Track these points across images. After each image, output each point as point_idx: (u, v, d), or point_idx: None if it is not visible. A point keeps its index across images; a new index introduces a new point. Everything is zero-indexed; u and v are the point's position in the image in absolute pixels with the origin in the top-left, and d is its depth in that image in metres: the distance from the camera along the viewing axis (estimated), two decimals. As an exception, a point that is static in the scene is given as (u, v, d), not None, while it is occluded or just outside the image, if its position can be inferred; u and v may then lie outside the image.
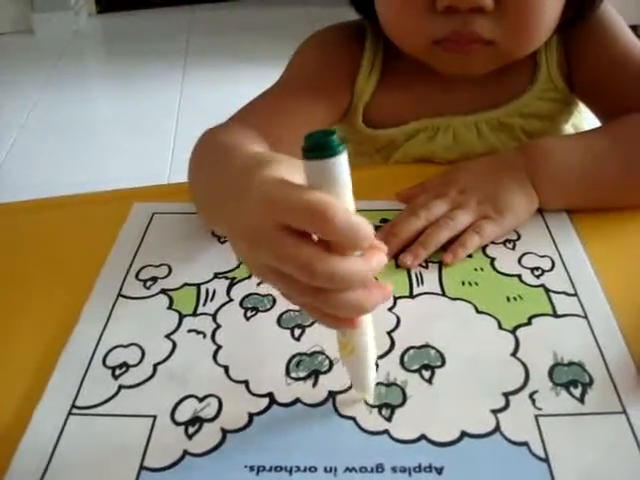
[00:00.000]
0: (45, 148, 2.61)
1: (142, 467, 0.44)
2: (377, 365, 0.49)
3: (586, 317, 0.54)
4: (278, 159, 0.46)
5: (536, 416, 0.46)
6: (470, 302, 0.56)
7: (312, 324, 0.54)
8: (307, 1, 3.63)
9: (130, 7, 3.97)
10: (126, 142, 2.63)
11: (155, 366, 0.52)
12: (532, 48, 0.72)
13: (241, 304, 0.57)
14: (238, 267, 0.61)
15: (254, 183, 0.43)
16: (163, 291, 0.59)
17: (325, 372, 0.50)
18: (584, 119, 0.83)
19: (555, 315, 0.55)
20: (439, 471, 0.43)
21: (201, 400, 0.49)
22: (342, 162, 0.38)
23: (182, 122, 2.71)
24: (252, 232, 0.41)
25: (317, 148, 0.37)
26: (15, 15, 3.78)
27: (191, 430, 0.47)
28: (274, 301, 0.57)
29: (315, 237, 0.40)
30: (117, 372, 0.52)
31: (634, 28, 3.11)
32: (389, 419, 0.47)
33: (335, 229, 0.37)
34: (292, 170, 0.43)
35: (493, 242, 0.63)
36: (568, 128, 0.82)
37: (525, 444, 0.45)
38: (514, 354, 0.51)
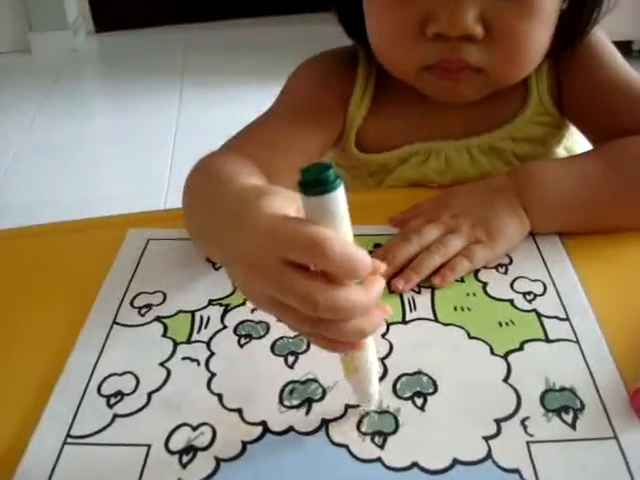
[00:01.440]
0: (43, 167, 2.62)
1: (136, 497, 0.45)
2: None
3: (578, 342, 0.55)
4: (275, 191, 0.47)
5: (528, 442, 0.47)
6: (462, 327, 0.57)
7: (306, 351, 0.55)
8: (304, 19, 3.64)
9: (127, 26, 3.99)
10: (124, 160, 2.65)
11: (149, 394, 0.52)
12: (521, 76, 0.72)
13: (235, 331, 0.58)
14: (232, 294, 0.61)
15: (254, 215, 0.44)
16: (158, 318, 0.60)
17: (318, 400, 0.51)
18: (576, 142, 0.84)
19: (547, 340, 0.55)
20: (431, 499, 0.43)
21: (195, 429, 0.49)
22: (339, 196, 0.39)
23: (179, 140, 2.72)
24: (253, 263, 0.42)
25: (314, 184, 0.38)
26: (13, 34, 3.80)
27: (185, 459, 0.47)
28: (268, 328, 0.57)
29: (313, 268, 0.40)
30: (112, 401, 0.52)
31: (628, 43, 3.13)
32: (382, 447, 0.47)
33: (334, 261, 0.38)
34: (288, 202, 0.44)
35: (485, 267, 0.63)
36: (560, 151, 0.83)
37: (516, 471, 0.45)
38: (506, 380, 0.52)
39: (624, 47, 3.34)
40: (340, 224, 0.40)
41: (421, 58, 0.68)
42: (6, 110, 3.14)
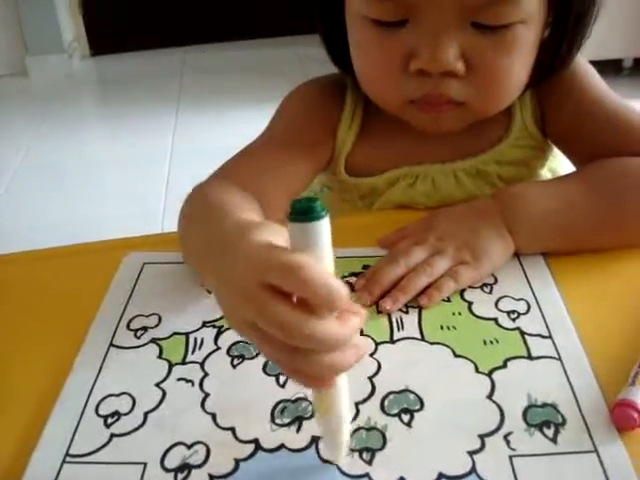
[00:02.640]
0: (40, 189, 2.64)
1: (133, 514, 0.46)
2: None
3: (560, 359, 0.57)
4: (264, 224, 0.49)
5: (510, 457, 0.48)
6: (448, 346, 0.59)
7: (296, 371, 0.57)
8: (298, 41, 3.68)
9: (123, 49, 4.03)
10: (120, 183, 2.67)
11: (145, 414, 0.54)
12: (502, 107, 0.74)
13: (228, 352, 0.59)
14: (225, 316, 0.63)
15: (242, 245, 0.46)
16: (153, 340, 0.61)
17: (308, 418, 0.52)
18: (560, 162, 0.86)
19: (530, 357, 0.57)
20: (417, 513, 0.45)
21: (190, 447, 0.51)
22: (324, 226, 0.41)
23: (175, 162, 2.75)
24: (239, 289, 0.44)
25: (302, 212, 0.41)
26: (9, 58, 3.83)
27: (180, 476, 0.49)
28: (260, 349, 0.59)
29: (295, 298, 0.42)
30: (109, 421, 0.54)
31: (618, 62, 3.17)
32: (370, 462, 0.49)
33: (310, 287, 0.40)
34: (275, 235, 0.46)
35: (471, 286, 0.65)
36: (545, 172, 0.85)
37: (500, 484, 0.47)
38: (490, 396, 0.53)
39: (614, 65, 3.38)
40: (322, 254, 0.42)
41: (405, 93, 0.70)
42: (3, 133, 3.16)
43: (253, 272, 0.43)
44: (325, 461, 0.49)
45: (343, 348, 0.43)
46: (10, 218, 2.46)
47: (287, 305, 0.41)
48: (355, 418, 0.52)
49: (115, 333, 0.63)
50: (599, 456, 0.48)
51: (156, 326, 0.63)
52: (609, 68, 3.13)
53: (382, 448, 0.50)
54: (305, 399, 0.54)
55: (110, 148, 3.05)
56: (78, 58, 3.98)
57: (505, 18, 0.65)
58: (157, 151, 2.86)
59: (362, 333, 0.59)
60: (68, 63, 3.83)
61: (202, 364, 0.58)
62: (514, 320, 0.61)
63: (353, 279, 0.66)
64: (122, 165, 2.79)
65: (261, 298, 0.42)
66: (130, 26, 4.05)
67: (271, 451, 0.50)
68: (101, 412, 0.54)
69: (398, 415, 0.52)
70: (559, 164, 0.86)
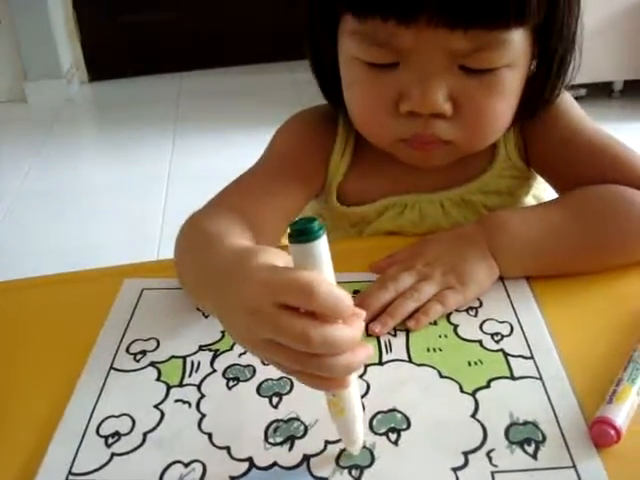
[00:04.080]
0: (38, 215, 2.66)
1: (133, 529, 0.49)
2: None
3: (541, 378, 0.59)
4: (263, 249, 0.54)
5: (492, 472, 0.51)
6: (434, 367, 0.61)
7: (289, 392, 0.59)
8: (293, 67, 3.72)
9: (121, 75, 4.07)
10: (118, 208, 2.68)
11: (145, 434, 0.56)
12: (487, 144, 0.78)
13: (224, 374, 0.62)
14: (221, 340, 0.66)
15: (249, 269, 0.51)
16: (152, 364, 0.64)
17: (300, 437, 0.55)
18: (545, 190, 0.88)
19: (512, 377, 0.60)
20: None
21: (187, 465, 0.53)
22: (322, 243, 0.46)
23: (172, 187, 2.77)
24: (252, 310, 0.48)
25: (301, 233, 0.46)
26: (8, 84, 3.87)
27: (178, 493, 0.51)
28: (254, 371, 0.62)
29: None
30: (110, 441, 0.56)
31: (609, 85, 3.21)
32: (358, 479, 0.51)
33: (319, 301, 0.45)
34: (275, 256, 0.52)
35: (457, 310, 0.68)
36: (529, 200, 0.88)
37: (482, 499, 0.49)
38: (473, 415, 0.56)
39: (605, 88, 3.41)
40: (324, 268, 0.47)
41: (395, 132, 0.73)
42: (2, 158, 3.19)
43: (265, 294, 0.47)
44: (316, 478, 0.51)
45: (354, 349, 0.47)
46: (9, 243, 2.48)
47: (301, 317, 0.46)
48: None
49: (115, 357, 0.65)
50: (577, 472, 0.50)
51: (155, 350, 0.66)
52: (600, 91, 3.17)
53: (370, 465, 0.52)
54: (297, 419, 0.56)
55: (108, 172, 3.07)
56: (76, 84, 4.02)
57: (491, 63, 0.68)
58: (154, 176, 2.89)
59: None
60: (67, 89, 3.87)
61: (199, 386, 0.61)
62: (498, 342, 0.64)
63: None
64: (120, 190, 2.82)
65: (277, 316, 0.47)
66: (128, 52, 4.10)
67: (265, 469, 0.53)
68: (102, 432, 0.57)
69: (386, 434, 0.55)
70: (543, 191, 0.89)
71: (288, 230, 0.46)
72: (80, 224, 2.57)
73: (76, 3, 3.95)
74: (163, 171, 2.91)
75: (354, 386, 0.51)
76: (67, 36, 3.97)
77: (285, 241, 0.50)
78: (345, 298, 0.46)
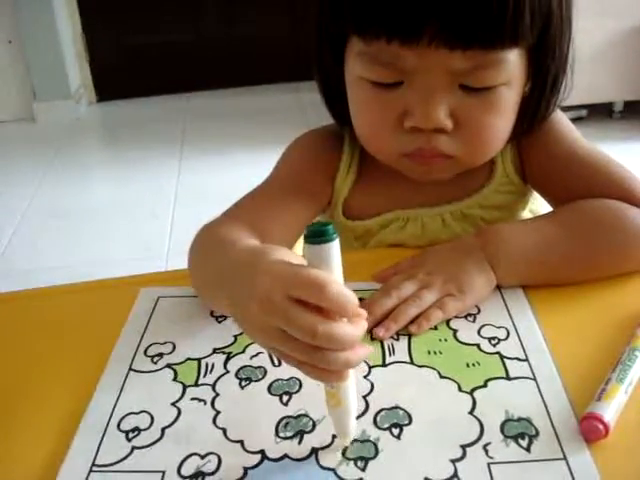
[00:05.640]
0: (47, 234, 2.69)
1: (154, 514, 0.53)
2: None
3: (535, 379, 0.63)
4: (276, 247, 0.59)
5: (488, 464, 0.54)
6: (434, 369, 0.65)
7: (298, 391, 0.63)
8: (299, 88, 3.77)
9: (128, 95, 4.13)
10: (125, 226, 2.71)
11: (163, 429, 0.60)
12: (487, 159, 0.82)
13: (236, 375, 0.66)
14: (234, 343, 0.70)
15: (265, 263, 0.56)
16: (168, 365, 0.68)
17: (309, 432, 0.59)
18: (541, 204, 0.92)
19: (508, 378, 0.63)
20: (404, 511, 0.51)
21: (203, 457, 0.57)
22: (335, 246, 0.51)
23: (179, 206, 2.80)
24: (265, 300, 0.52)
25: (317, 235, 0.51)
26: (17, 104, 3.92)
27: (195, 483, 0.55)
28: (265, 372, 0.66)
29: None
30: (130, 435, 0.60)
31: (609, 105, 3.24)
32: (363, 469, 0.55)
33: (328, 297, 0.49)
34: (290, 255, 0.57)
35: (456, 316, 0.72)
36: (526, 214, 0.92)
37: (478, 488, 0.53)
38: (471, 412, 0.60)
39: (606, 108, 3.43)
40: (335, 269, 0.52)
41: (399, 147, 0.77)
42: (11, 178, 3.23)
43: (279, 286, 0.52)
44: (324, 468, 0.55)
45: (355, 346, 0.52)
46: (18, 261, 2.51)
47: (310, 312, 0.50)
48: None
49: (134, 359, 0.69)
50: (568, 463, 0.54)
51: (171, 352, 0.70)
52: (601, 112, 3.20)
53: (375, 457, 0.56)
54: (306, 415, 0.60)
55: (116, 191, 3.11)
56: (85, 104, 4.08)
57: (489, 81, 0.73)
58: (162, 194, 2.93)
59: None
60: (75, 109, 3.93)
61: (213, 386, 0.65)
62: (494, 345, 0.67)
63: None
64: (127, 208, 2.86)
65: (288, 308, 0.51)
66: (135, 72, 4.16)
67: (276, 460, 0.56)
68: (123, 428, 0.61)
69: (389, 429, 0.58)
70: (539, 205, 0.93)
71: (305, 232, 0.51)
72: (88, 242, 2.60)
73: (85, 25, 4.03)
74: (170, 190, 2.95)
75: (351, 381, 0.55)
76: (76, 57, 4.04)
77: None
78: (352, 298, 0.51)
